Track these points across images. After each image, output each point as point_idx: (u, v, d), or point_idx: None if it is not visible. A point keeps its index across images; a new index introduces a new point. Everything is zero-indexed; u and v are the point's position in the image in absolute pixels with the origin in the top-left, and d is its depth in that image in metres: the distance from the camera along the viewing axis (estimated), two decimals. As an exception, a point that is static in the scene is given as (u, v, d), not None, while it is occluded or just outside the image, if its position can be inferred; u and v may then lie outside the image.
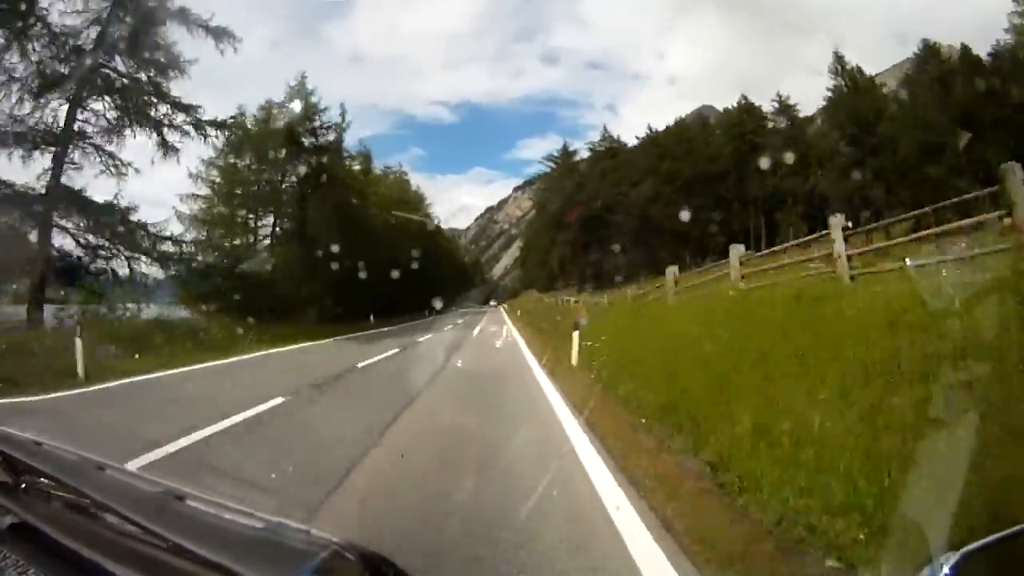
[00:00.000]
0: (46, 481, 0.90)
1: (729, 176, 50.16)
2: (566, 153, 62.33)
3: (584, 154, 61.62)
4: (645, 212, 50.54)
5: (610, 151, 59.13)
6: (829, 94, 45.16)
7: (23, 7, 13.50)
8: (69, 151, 15.04)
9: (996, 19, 38.27)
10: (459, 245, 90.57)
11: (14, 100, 13.91)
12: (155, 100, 16.45)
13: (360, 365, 9.67)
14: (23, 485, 0.90)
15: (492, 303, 68.52)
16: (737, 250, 9.06)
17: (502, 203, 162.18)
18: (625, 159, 56.60)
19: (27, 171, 14.51)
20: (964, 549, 0.84)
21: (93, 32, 14.95)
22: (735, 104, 53.76)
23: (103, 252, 15.89)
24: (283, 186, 26.65)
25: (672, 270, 11.54)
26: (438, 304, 39.48)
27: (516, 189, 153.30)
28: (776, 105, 52.94)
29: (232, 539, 0.77)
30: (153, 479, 0.98)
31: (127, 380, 7.45)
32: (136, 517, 0.76)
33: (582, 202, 54.88)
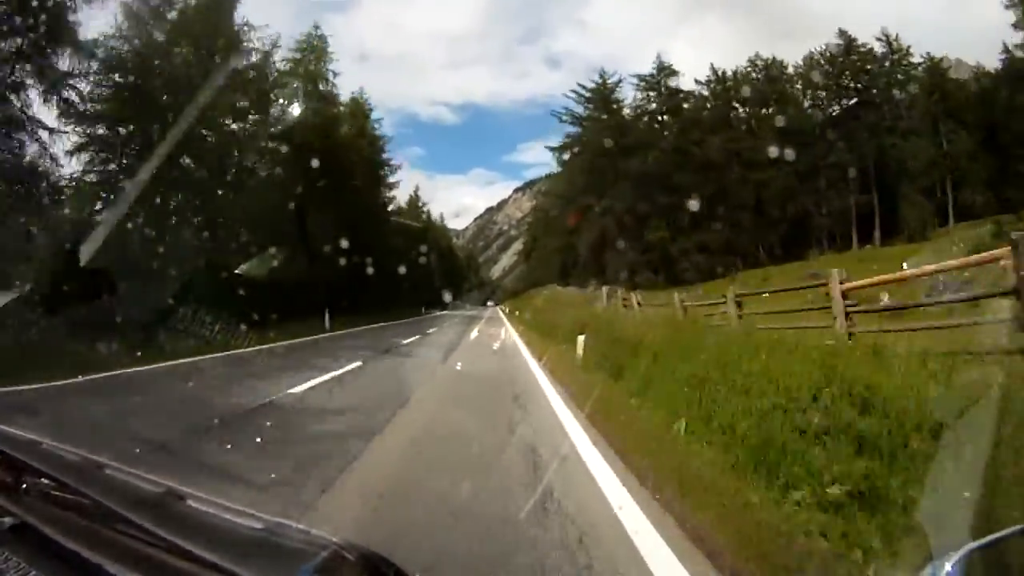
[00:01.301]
0: (46, 482, 0.90)
1: (822, 135, 34.08)
2: (604, 86, 40.48)
3: (628, 94, 41.87)
4: (720, 176, 33.00)
5: (669, 91, 39.39)
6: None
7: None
8: None
9: (999, 30, 31.86)
10: (454, 243, 78.25)
11: None
12: None
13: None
14: (23, 486, 0.90)
15: (490, 303, 62.63)
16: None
17: (502, 204, 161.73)
18: (685, 101, 39.76)
19: None
20: (964, 549, 0.84)
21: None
22: (827, 45, 37.05)
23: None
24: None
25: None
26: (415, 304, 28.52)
27: (516, 190, 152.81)
28: (883, 43, 35.59)
29: (232, 539, 0.77)
30: (154, 479, 0.98)
31: None
32: (136, 517, 0.76)
33: (630, 151, 35.51)
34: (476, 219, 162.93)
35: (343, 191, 22.81)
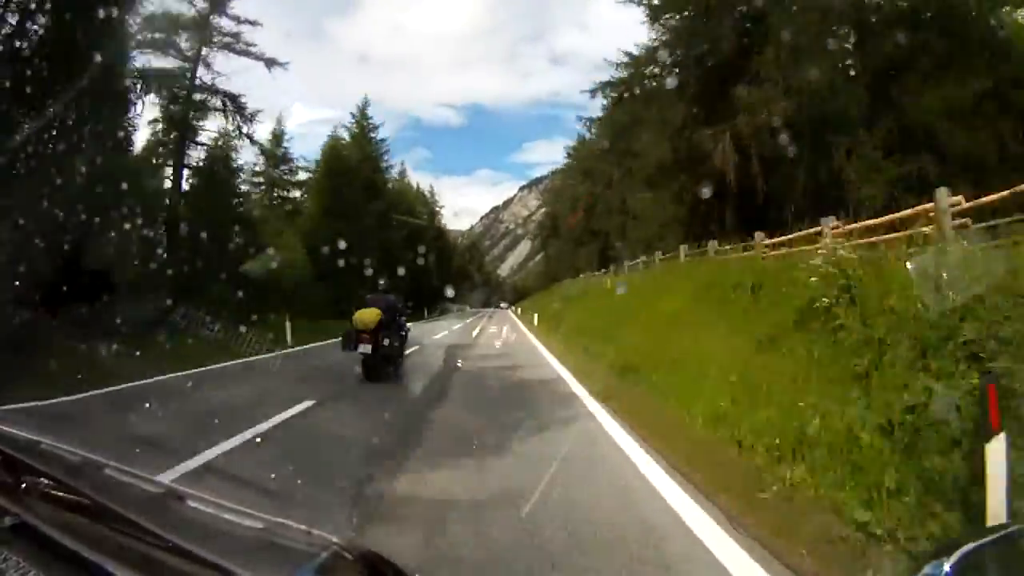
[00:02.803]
0: (46, 481, 0.90)
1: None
2: None
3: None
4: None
5: None
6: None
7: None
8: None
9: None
10: (443, 225, 54.32)
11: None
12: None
13: None
14: (23, 485, 0.90)
15: (503, 304, 52.74)
16: None
17: (508, 203, 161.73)
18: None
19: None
20: (964, 548, 0.84)
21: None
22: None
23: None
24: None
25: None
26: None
27: (522, 188, 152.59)
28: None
29: (232, 539, 0.77)
30: (154, 479, 0.98)
31: None
32: (136, 517, 0.76)
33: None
34: (482, 218, 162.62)
35: None
